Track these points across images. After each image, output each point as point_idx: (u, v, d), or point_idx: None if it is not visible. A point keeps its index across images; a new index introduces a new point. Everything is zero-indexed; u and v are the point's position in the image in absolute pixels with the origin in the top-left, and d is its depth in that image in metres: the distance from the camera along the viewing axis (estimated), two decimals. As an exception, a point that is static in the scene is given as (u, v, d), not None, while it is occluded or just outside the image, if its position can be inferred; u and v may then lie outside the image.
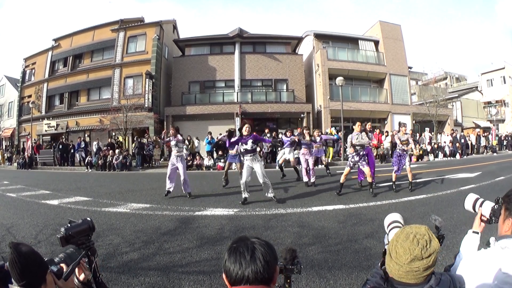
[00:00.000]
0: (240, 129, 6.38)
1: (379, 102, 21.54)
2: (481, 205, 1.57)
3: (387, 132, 17.51)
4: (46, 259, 1.17)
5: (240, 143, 6.37)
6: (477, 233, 1.52)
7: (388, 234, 1.45)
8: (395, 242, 1.07)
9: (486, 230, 1.54)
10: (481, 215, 1.54)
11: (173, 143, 6.91)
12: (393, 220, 1.49)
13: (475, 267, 1.24)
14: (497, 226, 1.42)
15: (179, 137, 7.04)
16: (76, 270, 1.33)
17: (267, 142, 9.26)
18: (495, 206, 1.47)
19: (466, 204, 1.65)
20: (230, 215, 5.31)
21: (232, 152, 7.83)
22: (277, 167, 10.21)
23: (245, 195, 6.06)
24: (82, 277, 1.33)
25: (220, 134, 15.64)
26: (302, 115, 20.02)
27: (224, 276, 1.00)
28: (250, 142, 6.06)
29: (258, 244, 0.99)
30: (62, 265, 1.24)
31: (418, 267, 1.01)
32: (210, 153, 15.14)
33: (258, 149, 6.76)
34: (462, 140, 17.82)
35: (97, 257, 1.44)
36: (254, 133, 6.38)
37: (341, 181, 6.75)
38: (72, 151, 17.07)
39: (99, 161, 14.92)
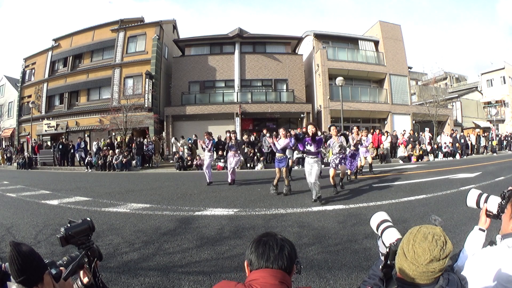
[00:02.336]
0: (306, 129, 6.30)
1: (379, 102, 21.54)
2: (486, 200, 1.52)
3: (387, 132, 17.52)
4: (47, 261, 1.20)
5: (306, 143, 6.17)
6: (483, 230, 1.49)
7: (381, 236, 1.36)
8: (412, 242, 1.05)
9: (490, 226, 1.51)
10: (487, 210, 1.50)
11: (209, 146, 8.01)
12: (382, 219, 1.41)
13: (481, 265, 1.23)
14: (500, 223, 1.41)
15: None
16: (81, 273, 1.33)
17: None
18: (503, 201, 1.43)
19: (468, 201, 1.60)
20: (230, 215, 5.30)
21: (280, 155, 7.12)
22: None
23: (315, 193, 5.96)
24: (86, 280, 1.34)
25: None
26: (302, 115, 20.03)
27: (246, 263, 1.10)
28: (313, 144, 6.03)
29: (286, 242, 1.11)
30: (62, 268, 1.25)
31: (435, 268, 1.01)
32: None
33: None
34: (462, 140, 17.82)
35: (96, 257, 1.43)
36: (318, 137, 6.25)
37: (331, 182, 6.88)
38: (72, 151, 17.07)
39: (99, 161, 14.92)
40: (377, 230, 1.41)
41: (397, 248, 1.13)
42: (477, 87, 31.51)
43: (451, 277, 1.11)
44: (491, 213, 1.49)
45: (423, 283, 1.04)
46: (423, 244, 1.02)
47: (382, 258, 1.32)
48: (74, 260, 1.29)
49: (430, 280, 1.04)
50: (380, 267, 1.23)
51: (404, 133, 17.07)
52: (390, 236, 1.29)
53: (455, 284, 1.09)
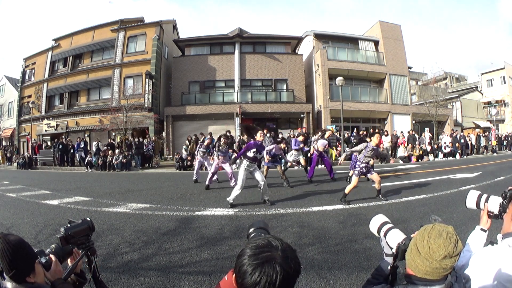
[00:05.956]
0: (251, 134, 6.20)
1: (379, 102, 21.53)
2: (486, 201, 1.51)
3: (387, 132, 17.52)
4: (36, 250, 1.19)
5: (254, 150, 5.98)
6: (485, 231, 1.48)
7: (385, 237, 1.34)
8: (426, 238, 1.07)
9: (492, 226, 1.52)
10: (488, 211, 1.49)
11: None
12: (383, 221, 1.40)
13: (481, 264, 1.24)
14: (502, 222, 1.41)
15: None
16: (69, 260, 1.33)
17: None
18: (504, 201, 1.43)
19: (468, 202, 1.58)
20: (230, 215, 5.31)
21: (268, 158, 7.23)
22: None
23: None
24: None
25: (226, 133, 15.60)
26: (302, 115, 20.02)
27: (234, 278, 0.95)
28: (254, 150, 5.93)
29: (286, 271, 0.90)
30: (51, 256, 1.25)
31: (447, 265, 1.03)
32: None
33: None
34: (462, 140, 17.81)
35: (96, 257, 1.44)
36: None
37: (348, 191, 6.05)
38: (72, 151, 17.06)
39: (99, 161, 14.91)
40: (378, 232, 1.40)
41: (407, 247, 1.15)
42: (477, 87, 31.49)
43: (458, 274, 1.13)
44: (492, 213, 1.49)
45: (434, 279, 1.06)
46: (438, 240, 1.04)
47: (387, 258, 1.33)
48: (61, 248, 1.30)
49: (440, 276, 1.06)
50: (389, 267, 1.24)
51: (410, 133, 16.99)
52: (396, 236, 1.29)
53: (462, 281, 1.12)
